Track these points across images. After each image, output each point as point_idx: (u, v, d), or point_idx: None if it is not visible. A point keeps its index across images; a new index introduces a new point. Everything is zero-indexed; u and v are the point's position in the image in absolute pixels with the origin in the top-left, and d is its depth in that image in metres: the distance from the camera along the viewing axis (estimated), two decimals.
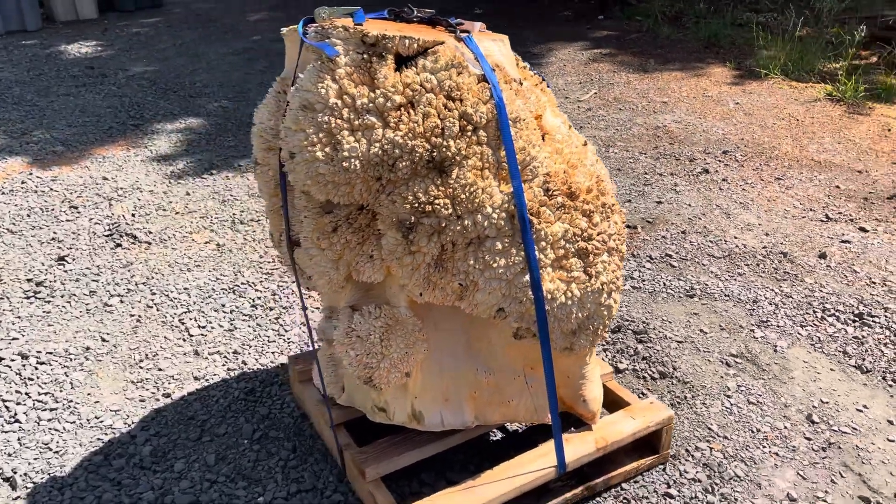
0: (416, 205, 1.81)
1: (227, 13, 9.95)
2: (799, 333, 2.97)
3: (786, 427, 2.48)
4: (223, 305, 3.20)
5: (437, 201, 1.80)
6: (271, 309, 3.17)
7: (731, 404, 2.58)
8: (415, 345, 2.00)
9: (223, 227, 3.93)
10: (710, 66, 6.85)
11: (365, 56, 1.81)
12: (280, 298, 3.24)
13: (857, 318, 3.06)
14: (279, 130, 1.94)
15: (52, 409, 2.58)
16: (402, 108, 1.79)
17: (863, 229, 3.82)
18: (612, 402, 2.38)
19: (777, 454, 2.36)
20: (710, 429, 2.47)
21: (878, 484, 2.24)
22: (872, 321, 3.03)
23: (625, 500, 2.19)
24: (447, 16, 2.08)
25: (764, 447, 2.39)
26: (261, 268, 3.50)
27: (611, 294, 2.03)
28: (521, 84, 1.99)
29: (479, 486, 1.99)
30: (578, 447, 2.13)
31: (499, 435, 2.46)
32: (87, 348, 2.92)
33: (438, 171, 1.81)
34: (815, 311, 3.11)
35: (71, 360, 2.85)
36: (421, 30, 1.94)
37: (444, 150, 1.79)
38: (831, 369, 2.77)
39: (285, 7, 10.26)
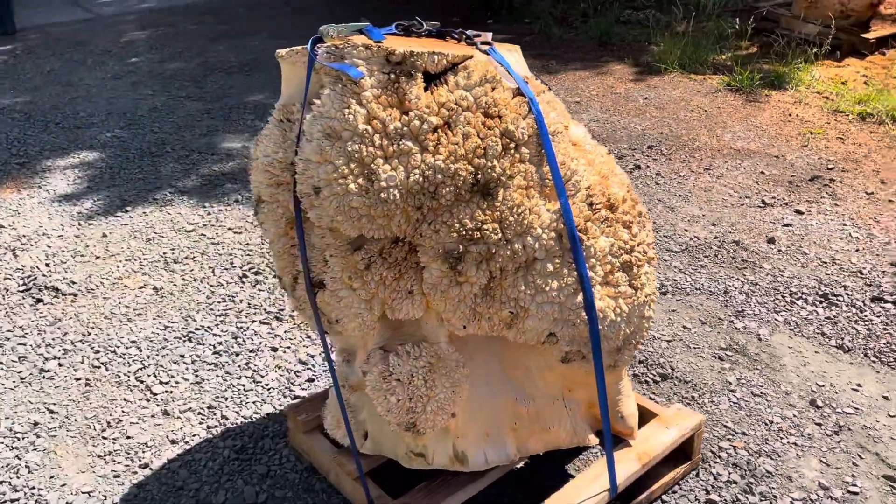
0: (464, 232, 1.67)
1: (95, 35, 9.28)
2: (776, 320, 3.04)
3: (794, 415, 2.51)
4: (182, 356, 2.91)
5: (485, 227, 1.67)
6: (237, 354, 2.91)
7: (738, 399, 2.59)
8: (460, 382, 1.85)
9: (156, 269, 3.59)
10: (609, 63, 7.01)
11: (392, 76, 1.65)
12: (244, 342, 2.98)
13: (823, 299, 3.16)
14: (289, 163, 1.75)
15: (13, 501, 2.24)
16: (440, 130, 1.64)
17: (798, 212, 3.98)
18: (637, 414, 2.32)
19: (796, 444, 2.38)
20: (726, 427, 2.46)
21: None
22: (837, 300, 3.14)
23: None
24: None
25: (782, 439, 2.40)
26: (212, 310, 3.22)
27: (650, 306, 1.96)
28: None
29: None
30: (623, 466, 2.05)
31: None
32: (35, 423, 2.56)
33: (483, 194, 1.68)
34: (783, 296, 3.20)
35: (19, 439, 2.49)
36: (439, 44, 1.80)
37: (488, 171, 1.66)
38: (816, 352, 2.83)
39: (155, 25, 9.69)
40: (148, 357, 2.91)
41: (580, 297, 1.77)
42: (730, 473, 2.26)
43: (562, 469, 2.29)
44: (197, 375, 2.79)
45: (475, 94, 1.67)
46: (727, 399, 2.59)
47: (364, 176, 1.63)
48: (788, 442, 2.39)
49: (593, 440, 2.11)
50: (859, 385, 2.65)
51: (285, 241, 1.87)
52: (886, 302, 3.11)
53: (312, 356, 2.86)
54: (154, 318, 3.17)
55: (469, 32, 1.86)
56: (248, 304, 3.23)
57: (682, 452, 2.23)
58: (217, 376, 2.78)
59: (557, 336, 1.80)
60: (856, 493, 2.18)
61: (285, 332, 3.01)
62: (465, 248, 1.68)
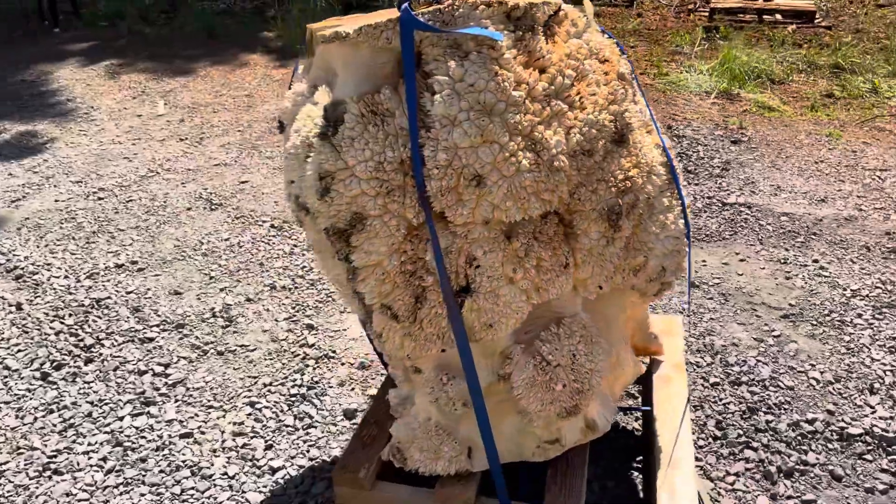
0: (619, 185, 1.59)
1: None
2: None
3: (700, 295, 2.91)
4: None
5: (629, 174, 1.61)
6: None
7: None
8: (606, 347, 1.77)
9: None
10: (241, 55, 6.71)
11: (519, 32, 1.47)
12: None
13: None
14: (401, 160, 1.45)
15: None
16: (576, 83, 1.52)
17: None
18: None
19: (713, 310, 2.79)
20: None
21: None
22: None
23: None
24: None
25: (707, 313, 2.78)
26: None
27: None
28: None
29: None
30: (677, 382, 2.18)
31: None
32: None
33: (619, 141, 1.61)
34: None
35: None
36: None
37: (624, 116, 1.60)
38: None
39: None
40: None
41: (682, 223, 1.82)
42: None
43: None
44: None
45: (587, 41, 1.58)
46: None
47: (531, 148, 1.44)
48: (707, 309, 2.78)
49: (643, 367, 2.19)
50: (704, 261, 3.18)
51: (396, 259, 1.53)
52: None
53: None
54: None
55: None
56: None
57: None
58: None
59: (666, 269, 1.83)
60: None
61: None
62: (622, 202, 1.60)
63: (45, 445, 2.30)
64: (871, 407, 2.31)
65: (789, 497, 2.03)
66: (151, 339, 2.80)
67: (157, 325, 2.89)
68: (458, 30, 1.41)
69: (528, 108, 1.44)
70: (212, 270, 3.26)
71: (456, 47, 1.44)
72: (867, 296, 2.89)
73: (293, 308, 2.97)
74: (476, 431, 1.83)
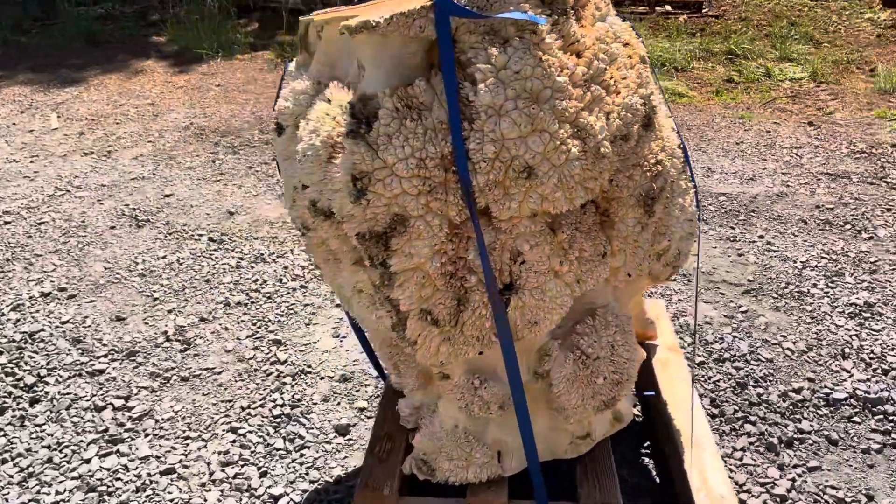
0: (651, 169, 1.56)
1: None
2: None
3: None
4: None
5: (659, 157, 1.59)
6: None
7: None
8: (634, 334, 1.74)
9: None
10: (133, 62, 6.31)
11: (554, 17, 1.41)
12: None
13: None
14: (443, 156, 1.37)
15: None
16: (609, 67, 1.49)
17: None
18: None
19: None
20: None
21: None
22: None
23: None
24: None
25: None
26: None
27: None
28: None
29: None
30: (676, 366, 2.20)
31: None
32: None
33: (648, 125, 1.58)
34: None
35: None
36: None
37: (650, 99, 1.57)
38: None
39: None
40: None
41: (694, 206, 1.82)
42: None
43: None
44: None
45: (611, 25, 1.54)
46: None
47: (577, 136, 1.39)
48: (673, 291, 2.83)
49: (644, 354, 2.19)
50: None
51: (437, 260, 1.44)
52: None
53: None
54: None
55: None
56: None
57: None
58: None
59: (681, 252, 1.83)
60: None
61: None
62: (655, 186, 1.57)
63: (6, 500, 2.05)
64: (848, 371, 2.41)
65: (795, 466, 2.08)
66: (102, 371, 2.56)
67: (105, 356, 2.64)
68: (499, 14, 1.34)
69: (572, 94, 1.38)
70: (154, 292, 3.02)
71: (493, 34, 1.36)
72: (816, 266, 3.02)
73: (254, 324, 2.79)
74: (507, 434, 1.77)
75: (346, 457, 2.17)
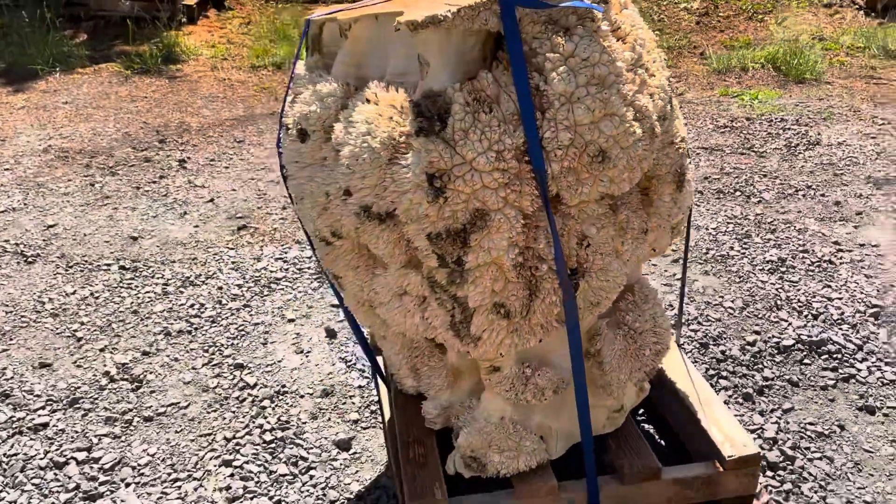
0: (679, 146, 1.66)
1: None
2: None
3: None
4: None
5: (682, 134, 1.69)
6: None
7: None
8: None
9: None
10: None
11: (602, 4, 1.46)
12: None
13: None
14: (518, 147, 1.39)
15: None
16: (643, 51, 1.56)
17: None
18: None
19: None
20: None
21: None
22: None
23: None
24: None
25: None
26: None
27: None
28: None
29: None
30: None
31: None
32: None
33: (671, 104, 1.67)
34: None
35: None
36: None
37: (669, 80, 1.66)
38: None
39: None
40: None
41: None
42: None
43: None
44: None
45: (633, 11, 1.61)
46: None
47: (636, 118, 1.45)
48: None
49: None
50: None
51: (512, 252, 1.44)
52: None
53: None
54: None
55: None
56: None
57: None
58: None
59: (680, 226, 1.94)
60: None
61: None
62: (684, 163, 1.66)
63: None
64: (786, 321, 2.68)
65: (773, 410, 2.28)
66: (45, 425, 2.30)
67: (44, 407, 2.37)
68: (563, 3, 1.36)
69: (627, 78, 1.44)
70: (75, 331, 2.74)
71: (553, 23, 1.39)
72: (726, 231, 3.31)
73: (206, 351, 2.61)
74: (549, 418, 1.81)
75: (357, 471, 2.11)
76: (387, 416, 2.18)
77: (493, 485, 1.79)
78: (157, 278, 3.06)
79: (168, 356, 2.59)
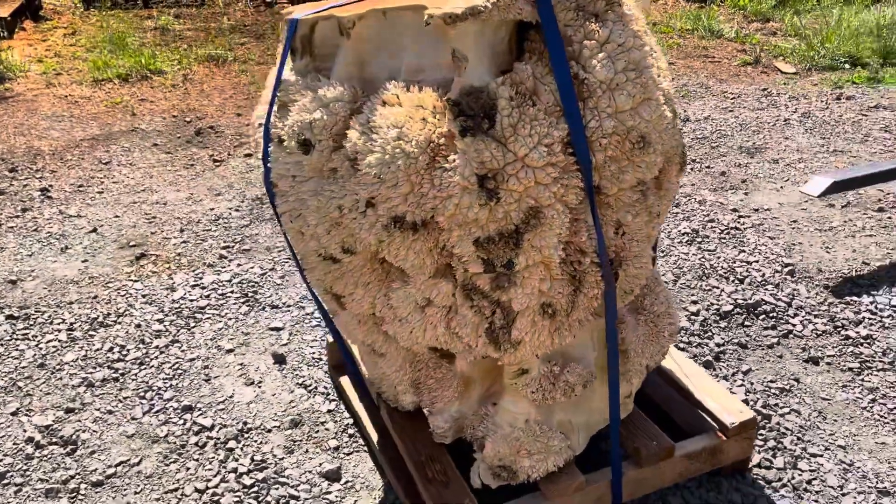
0: (678, 129, 1.67)
1: None
2: None
3: None
4: None
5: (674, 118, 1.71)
6: None
7: None
8: None
9: None
10: None
11: None
12: None
13: None
14: (562, 139, 1.36)
15: None
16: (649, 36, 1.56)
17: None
18: None
19: None
20: None
21: None
22: None
23: None
24: None
25: None
26: None
27: None
28: None
29: None
30: None
31: None
32: None
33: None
34: None
35: None
36: None
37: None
38: None
39: None
40: None
41: None
42: None
43: None
44: None
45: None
46: None
47: (665, 101, 1.44)
48: None
49: None
50: None
51: (559, 248, 1.39)
52: None
53: None
54: None
55: None
56: None
57: None
58: None
59: None
60: None
61: None
62: (685, 144, 1.68)
63: None
64: (717, 287, 2.82)
65: (734, 374, 2.39)
66: None
67: None
68: None
69: (653, 62, 1.43)
70: None
71: (581, 9, 1.35)
72: None
73: (141, 397, 2.34)
74: (570, 413, 1.78)
75: (355, 500, 1.97)
76: (373, 437, 2.06)
77: (514, 491, 1.74)
78: (58, 323, 2.70)
79: (98, 409, 2.30)
